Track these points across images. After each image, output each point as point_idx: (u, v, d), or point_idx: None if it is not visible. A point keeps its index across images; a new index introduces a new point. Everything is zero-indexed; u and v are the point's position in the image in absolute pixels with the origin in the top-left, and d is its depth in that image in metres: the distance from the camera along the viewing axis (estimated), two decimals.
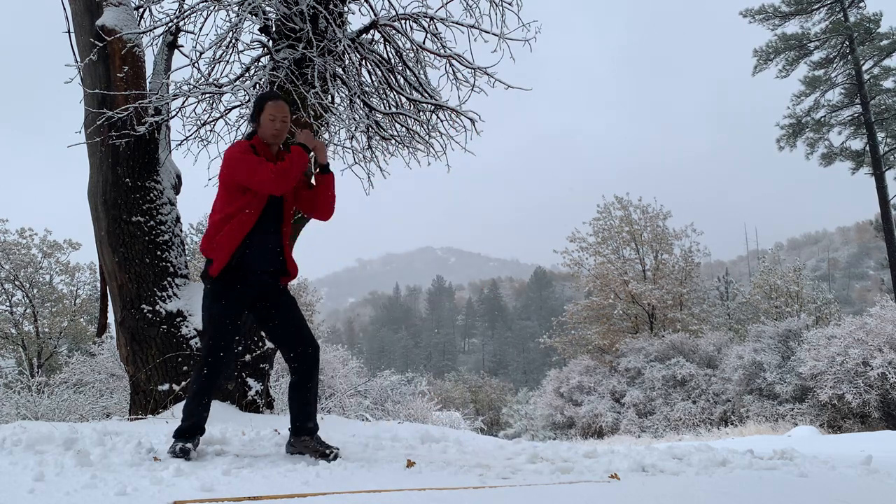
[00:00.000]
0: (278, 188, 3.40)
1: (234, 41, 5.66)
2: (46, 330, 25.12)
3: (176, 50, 6.78)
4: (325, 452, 3.52)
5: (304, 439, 3.59)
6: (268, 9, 5.78)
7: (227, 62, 5.82)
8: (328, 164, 3.72)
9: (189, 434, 3.40)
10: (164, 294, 6.00)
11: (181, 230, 6.55)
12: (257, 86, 5.96)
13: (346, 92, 6.38)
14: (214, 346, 3.41)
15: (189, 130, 6.13)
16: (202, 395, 3.46)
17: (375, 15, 6.40)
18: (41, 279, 25.53)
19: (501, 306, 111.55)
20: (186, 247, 7.18)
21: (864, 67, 26.62)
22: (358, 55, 6.34)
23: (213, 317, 3.45)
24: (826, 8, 27.17)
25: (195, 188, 7.01)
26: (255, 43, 6.09)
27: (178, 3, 6.15)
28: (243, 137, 3.91)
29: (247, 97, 5.94)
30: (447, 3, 6.11)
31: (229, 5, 5.74)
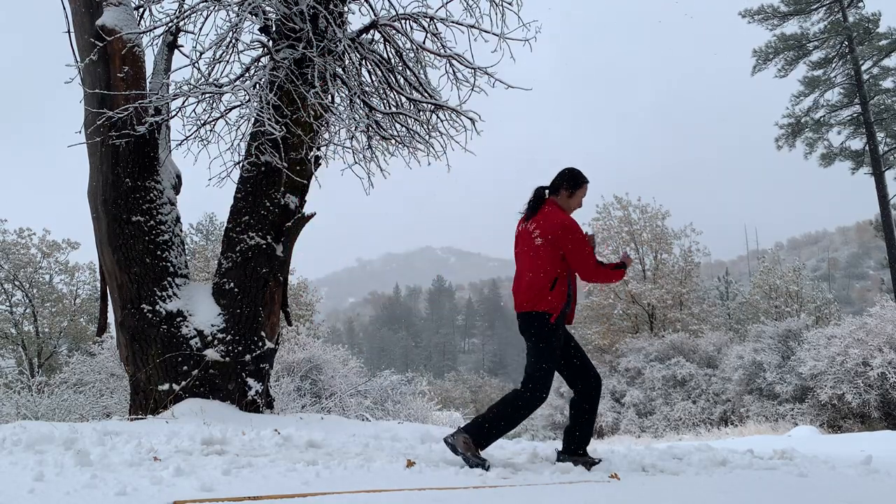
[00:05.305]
0: (589, 279, 4.11)
1: (234, 41, 5.66)
2: (46, 330, 25.11)
3: (176, 50, 6.77)
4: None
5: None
6: (268, 9, 5.78)
7: (227, 62, 5.82)
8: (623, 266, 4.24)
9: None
10: (164, 294, 6.00)
11: (181, 230, 6.55)
12: (257, 86, 5.96)
13: (346, 92, 6.38)
14: (549, 369, 3.99)
15: (189, 130, 6.13)
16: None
17: (375, 15, 6.40)
18: (41, 279, 25.51)
19: (501, 306, 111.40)
20: (186, 246, 7.18)
21: (864, 67, 26.59)
22: (358, 55, 6.34)
23: (553, 349, 4.01)
24: (825, 8, 27.15)
25: (195, 188, 7.01)
26: (255, 43, 6.10)
27: (178, 3, 6.15)
28: (548, 195, 4.20)
29: (247, 97, 5.94)
30: (447, 3, 6.11)
31: (229, 5, 5.75)
